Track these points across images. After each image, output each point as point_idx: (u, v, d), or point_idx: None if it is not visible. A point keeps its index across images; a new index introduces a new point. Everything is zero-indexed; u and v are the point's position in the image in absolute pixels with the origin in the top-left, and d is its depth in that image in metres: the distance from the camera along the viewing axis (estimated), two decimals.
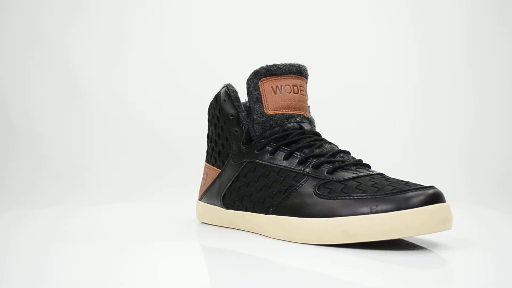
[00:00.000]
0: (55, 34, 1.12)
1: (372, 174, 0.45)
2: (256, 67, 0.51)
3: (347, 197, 0.42)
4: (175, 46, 1.12)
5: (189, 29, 1.12)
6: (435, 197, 0.40)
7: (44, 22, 1.12)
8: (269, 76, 0.51)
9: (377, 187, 0.42)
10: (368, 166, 0.48)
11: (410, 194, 0.40)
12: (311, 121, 0.52)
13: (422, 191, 0.40)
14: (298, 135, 0.49)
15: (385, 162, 0.98)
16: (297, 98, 0.51)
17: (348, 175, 0.44)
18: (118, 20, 1.13)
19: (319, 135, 0.51)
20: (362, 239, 0.41)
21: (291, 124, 0.50)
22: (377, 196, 0.41)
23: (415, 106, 1.06)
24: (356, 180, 0.44)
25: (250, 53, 1.08)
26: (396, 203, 0.40)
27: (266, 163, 0.49)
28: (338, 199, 0.43)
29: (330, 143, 0.50)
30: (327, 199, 0.43)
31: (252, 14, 1.12)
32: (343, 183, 0.44)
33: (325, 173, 0.45)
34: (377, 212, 0.40)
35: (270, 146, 0.49)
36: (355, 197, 0.42)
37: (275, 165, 0.48)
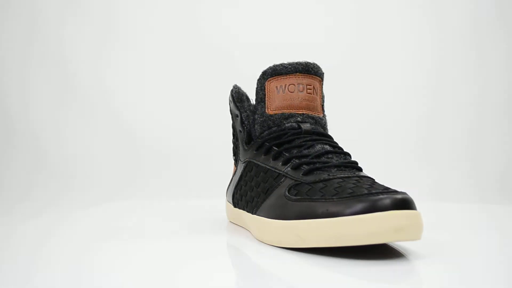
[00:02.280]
0: (54, 34, 1.12)
1: (348, 177, 0.42)
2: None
3: (308, 200, 0.40)
4: (175, 47, 1.12)
5: (189, 29, 1.12)
6: (391, 204, 0.36)
7: (44, 22, 1.12)
8: (275, 75, 0.50)
9: (337, 190, 0.39)
10: (358, 169, 0.45)
11: (363, 199, 0.37)
12: (317, 121, 0.50)
13: (377, 197, 0.37)
14: (293, 135, 0.48)
15: (386, 162, 0.98)
16: (302, 97, 0.50)
17: (321, 177, 0.42)
18: (119, 21, 1.13)
19: (322, 134, 0.49)
20: (313, 244, 0.39)
21: (289, 124, 0.49)
22: (333, 199, 0.39)
23: (417, 106, 1.06)
24: (324, 182, 0.41)
25: (251, 53, 1.08)
26: (347, 208, 0.37)
27: (259, 163, 0.49)
28: (300, 201, 0.41)
29: (326, 143, 0.48)
30: (292, 201, 0.42)
31: (253, 14, 1.12)
32: (310, 185, 0.42)
33: (301, 174, 0.44)
34: (327, 216, 0.38)
35: (265, 146, 0.49)
36: (314, 200, 0.40)
37: (264, 165, 0.48)
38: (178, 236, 0.51)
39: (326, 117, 0.53)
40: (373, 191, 0.38)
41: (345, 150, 0.53)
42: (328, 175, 0.42)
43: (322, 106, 0.52)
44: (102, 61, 1.12)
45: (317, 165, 0.44)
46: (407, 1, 1.09)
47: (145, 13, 1.13)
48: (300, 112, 0.49)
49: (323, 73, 0.52)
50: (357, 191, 0.38)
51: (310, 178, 0.43)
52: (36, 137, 1.08)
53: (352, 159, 0.48)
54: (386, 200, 0.36)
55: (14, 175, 1.01)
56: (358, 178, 0.42)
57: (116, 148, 1.06)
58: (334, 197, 0.39)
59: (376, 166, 0.96)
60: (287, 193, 0.43)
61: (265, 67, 0.51)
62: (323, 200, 0.39)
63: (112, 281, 0.35)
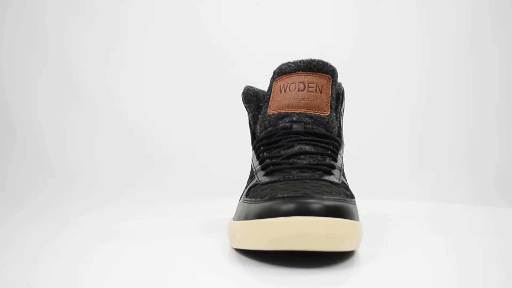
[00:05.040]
0: (54, 34, 1.12)
1: (299, 179, 0.40)
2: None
3: (248, 202, 0.41)
4: (175, 48, 1.12)
5: (189, 30, 1.12)
6: (295, 209, 0.34)
7: (44, 22, 1.12)
8: (282, 75, 0.50)
9: (266, 193, 0.39)
10: (327, 172, 0.43)
11: (274, 203, 0.36)
12: (316, 120, 0.48)
13: (288, 201, 0.35)
14: (282, 135, 0.47)
15: (387, 163, 0.98)
16: (301, 96, 0.48)
17: (274, 178, 0.42)
18: (119, 21, 1.13)
19: (313, 134, 0.47)
20: (235, 245, 0.39)
21: (282, 124, 0.48)
22: (257, 202, 0.38)
23: (418, 106, 1.05)
24: (270, 184, 0.41)
25: (249, 53, 1.08)
26: (258, 211, 0.37)
27: (252, 163, 0.50)
28: (245, 203, 0.41)
29: (310, 144, 0.46)
30: (243, 202, 0.42)
31: (256, 13, 1.11)
32: (260, 187, 0.42)
33: (262, 175, 0.44)
34: (244, 219, 0.39)
35: (256, 146, 0.49)
36: (250, 202, 0.40)
37: (252, 165, 0.49)
38: (177, 237, 0.51)
39: (338, 115, 0.51)
40: (287, 195, 0.36)
41: (346, 150, 0.52)
42: (284, 177, 0.41)
43: (331, 104, 0.49)
44: (102, 61, 1.12)
45: (283, 166, 0.43)
46: (407, 2, 1.09)
47: (145, 13, 1.13)
48: (297, 112, 0.48)
49: (333, 70, 0.49)
50: (276, 194, 0.37)
51: (265, 179, 0.43)
52: (35, 137, 1.08)
53: (348, 160, 0.47)
54: (294, 204, 0.35)
55: (13, 175, 1.01)
56: (308, 181, 0.40)
57: (116, 148, 1.06)
58: (259, 200, 0.38)
59: (377, 166, 0.96)
60: (245, 194, 0.44)
61: (269, 66, 0.51)
62: (253, 202, 0.39)
63: (109, 282, 0.35)
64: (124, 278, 0.36)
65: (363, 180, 0.72)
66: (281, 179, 0.41)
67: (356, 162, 0.68)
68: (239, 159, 0.72)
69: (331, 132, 0.49)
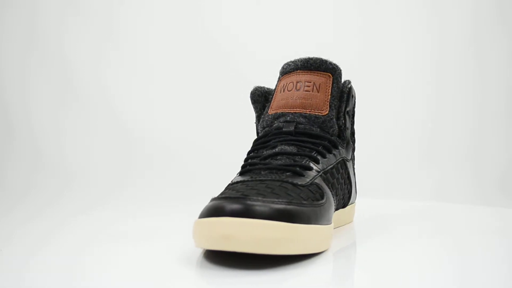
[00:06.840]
0: (54, 34, 1.12)
1: (260, 180, 0.40)
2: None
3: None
4: (176, 48, 1.12)
5: (190, 29, 1.12)
6: (226, 210, 0.34)
7: (44, 22, 1.12)
8: (284, 74, 0.50)
9: (223, 194, 0.38)
10: (298, 173, 0.42)
11: (213, 203, 0.36)
12: (311, 119, 0.47)
13: (214, 201, 0.36)
14: (273, 135, 0.47)
15: (388, 162, 0.98)
16: (297, 95, 0.48)
17: (240, 178, 0.41)
18: (119, 21, 1.13)
19: (303, 134, 0.46)
20: (197, 245, 0.38)
21: (276, 124, 0.48)
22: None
23: (417, 106, 1.05)
24: (234, 184, 0.40)
25: (249, 52, 1.08)
26: (203, 211, 0.37)
27: None
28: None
29: (294, 144, 0.45)
30: None
31: (255, 13, 1.11)
32: (227, 188, 0.41)
33: (238, 175, 0.43)
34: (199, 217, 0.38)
35: (252, 146, 0.49)
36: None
37: None
38: (177, 237, 0.51)
39: (342, 115, 0.49)
40: (224, 196, 0.36)
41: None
42: (251, 177, 0.41)
43: (331, 103, 0.48)
44: (102, 61, 1.12)
45: (257, 166, 0.42)
46: (407, 2, 1.08)
47: (146, 13, 1.13)
48: (292, 111, 0.47)
49: (334, 68, 0.49)
50: (221, 194, 0.37)
51: (237, 179, 0.42)
52: (35, 137, 1.08)
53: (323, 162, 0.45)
54: (228, 205, 0.34)
55: (13, 175, 1.01)
56: (267, 182, 0.39)
57: (116, 148, 1.06)
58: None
59: (377, 166, 0.96)
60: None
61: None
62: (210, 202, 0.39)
63: (109, 282, 0.35)
64: (123, 278, 0.36)
65: (363, 180, 0.72)
66: (245, 180, 0.40)
67: (355, 162, 0.67)
68: (240, 159, 0.71)
69: (328, 132, 0.48)
